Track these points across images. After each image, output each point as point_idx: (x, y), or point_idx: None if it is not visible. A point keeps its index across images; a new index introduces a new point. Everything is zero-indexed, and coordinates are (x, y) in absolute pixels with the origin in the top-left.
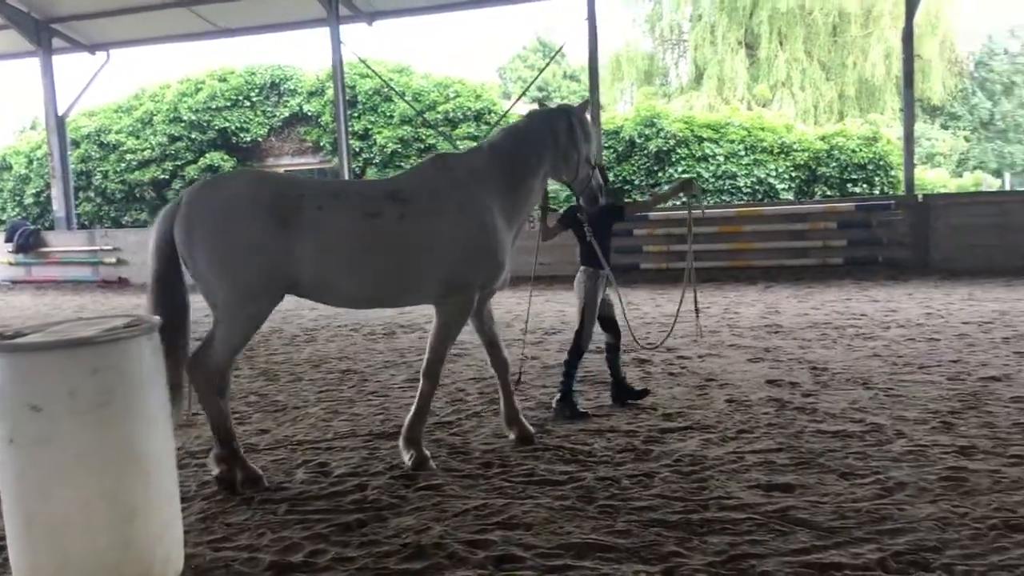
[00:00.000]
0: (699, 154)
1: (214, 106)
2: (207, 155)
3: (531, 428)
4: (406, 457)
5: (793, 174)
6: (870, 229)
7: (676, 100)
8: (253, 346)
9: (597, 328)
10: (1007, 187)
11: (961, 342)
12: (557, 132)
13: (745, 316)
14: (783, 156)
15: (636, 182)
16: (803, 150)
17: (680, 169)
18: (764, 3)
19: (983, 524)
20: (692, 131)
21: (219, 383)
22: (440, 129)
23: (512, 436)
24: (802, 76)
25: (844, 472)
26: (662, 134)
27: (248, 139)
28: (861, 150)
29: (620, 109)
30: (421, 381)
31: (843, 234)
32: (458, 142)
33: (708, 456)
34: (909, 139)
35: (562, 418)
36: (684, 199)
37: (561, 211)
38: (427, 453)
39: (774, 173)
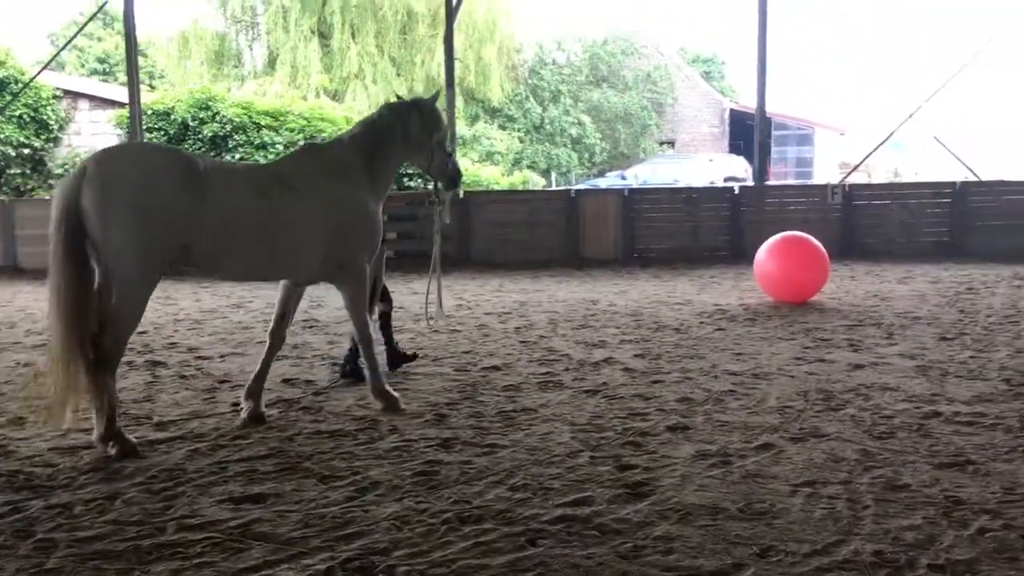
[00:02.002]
0: (257, 141)
1: None
2: None
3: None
4: (380, 405)
5: None
6: (417, 222)
7: (250, 84)
8: None
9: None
10: (554, 186)
11: (479, 332)
12: (408, 123)
13: None
14: None
15: None
16: None
17: (238, 156)
18: None
19: (438, 519)
20: (250, 117)
21: (118, 358)
22: None
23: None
24: (374, 70)
25: (325, 475)
26: (218, 118)
27: None
28: None
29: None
30: (360, 347)
31: (393, 227)
32: None
33: (188, 469)
34: (452, 138)
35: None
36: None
37: None
38: (395, 394)
39: None
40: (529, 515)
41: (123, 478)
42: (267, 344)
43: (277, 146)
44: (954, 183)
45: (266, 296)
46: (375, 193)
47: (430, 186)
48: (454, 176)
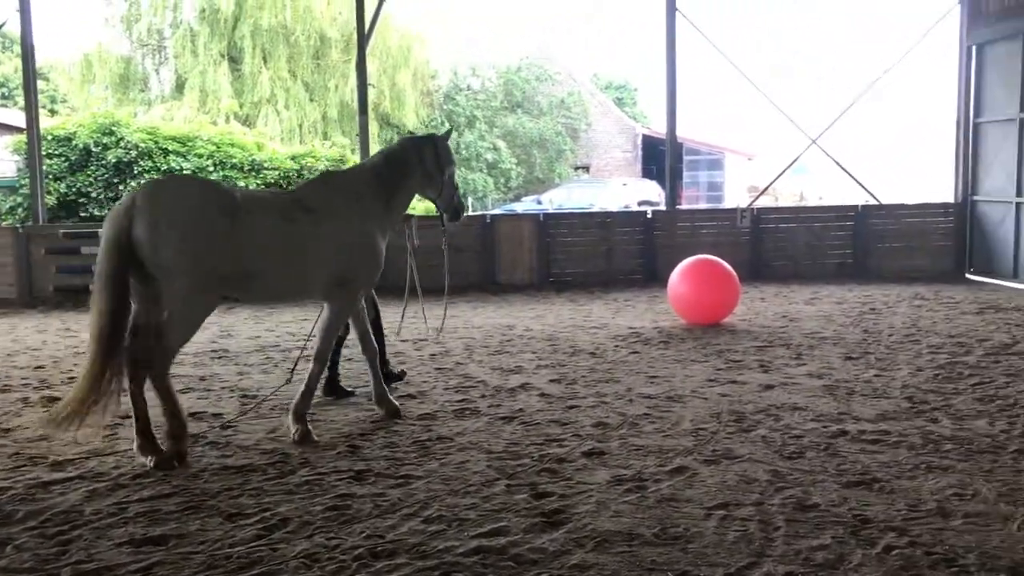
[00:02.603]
0: (165, 167)
1: None
2: None
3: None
4: (293, 431)
5: None
6: None
7: (157, 109)
8: None
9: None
10: (470, 211)
11: (394, 360)
12: (423, 156)
13: (194, 340)
14: (254, 174)
15: (95, 195)
16: (274, 169)
17: (144, 183)
18: (246, 18)
19: (349, 555)
20: (157, 143)
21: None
22: None
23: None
24: (287, 95)
25: (232, 513)
26: (123, 144)
27: None
28: None
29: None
30: (311, 364)
31: None
32: None
33: (86, 511)
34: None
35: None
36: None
37: None
38: (310, 428)
39: None
40: (444, 548)
41: (14, 523)
42: (367, 361)
43: (186, 172)
44: (856, 206)
45: None
46: (385, 221)
47: None
48: (459, 209)
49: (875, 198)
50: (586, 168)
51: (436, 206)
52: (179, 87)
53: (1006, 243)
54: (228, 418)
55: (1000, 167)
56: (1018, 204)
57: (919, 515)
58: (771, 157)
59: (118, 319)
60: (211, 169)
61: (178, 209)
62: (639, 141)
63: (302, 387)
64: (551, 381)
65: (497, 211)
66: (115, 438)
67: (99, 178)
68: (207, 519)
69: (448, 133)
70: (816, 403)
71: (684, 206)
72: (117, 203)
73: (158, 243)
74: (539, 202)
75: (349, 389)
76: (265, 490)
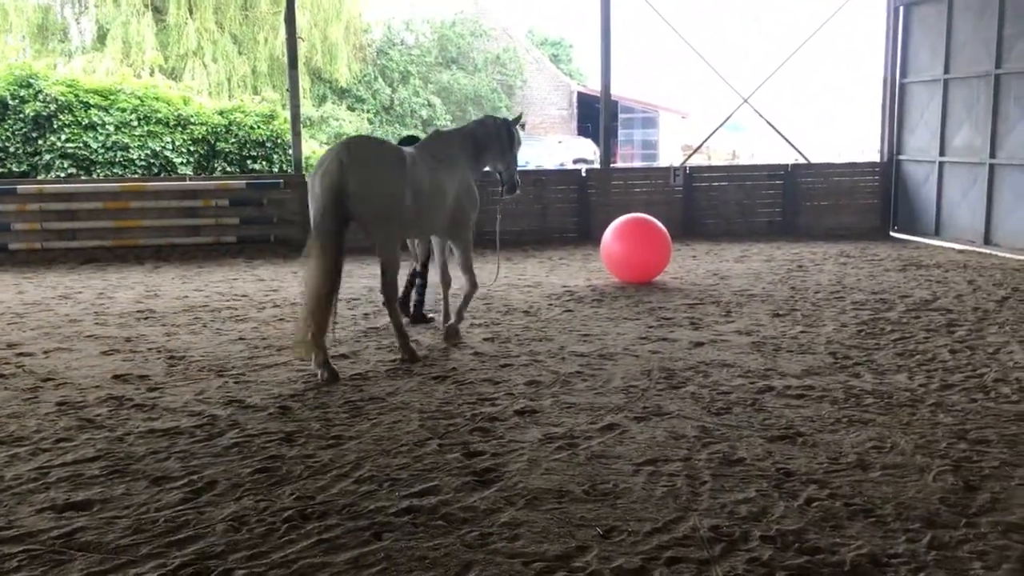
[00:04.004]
0: (86, 122)
1: None
2: None
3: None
4: (453, 342)
5: (192, 148)
6: (262, 207)
7: (78, 60)
8: None
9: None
10: None
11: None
12: (502, 135)
13: (119, 301)
14: (180, 129)
15: (12, 149)
16: (201, 124)
17: (64, 137)
18: None
19: (279, 517)
20: (77, 96)
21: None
22: None
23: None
24: (214, 48)
25: (158, 477)
26: (41, 97)
27: None
28: (259, 127)
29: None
30: (467, 286)
31: (235, 212)
32: None
33: (6, 476)
34: (296, 119)
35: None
36: None
37: None
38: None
39: (171, 147)
40: (375, 508)
41: None
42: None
43: (108, 127)
44: (786, 165)
45: (96, 287)
46: (474, 175)
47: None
48: (515, 186)
49: (804, 157)
50: (522, 125)
51: (500, 179)
52: (100, 38)
53: (929, 201)
54: (155, 380)
55: (925, 127)
56: (941, 163)
57: (840, 468)
58: (705, 115)
59: (339, 258)
60: (135, 123)
61: (384, 163)
62: (574, 98)
63: (462, 303)
64: (484, 340)
65: None
66: (36, 401)
67: (17, 132)
68: (132, 483)
69: (519, 118)
70: (744, 359)
71: (618, 164)
72: (324, 164)
73: (370, 191)
74: None
75: (430, 316)
76: (192, 453)
